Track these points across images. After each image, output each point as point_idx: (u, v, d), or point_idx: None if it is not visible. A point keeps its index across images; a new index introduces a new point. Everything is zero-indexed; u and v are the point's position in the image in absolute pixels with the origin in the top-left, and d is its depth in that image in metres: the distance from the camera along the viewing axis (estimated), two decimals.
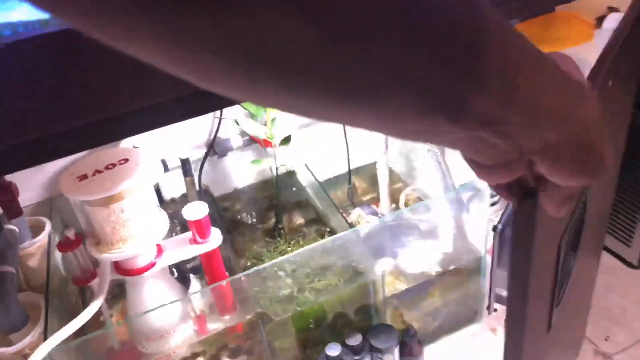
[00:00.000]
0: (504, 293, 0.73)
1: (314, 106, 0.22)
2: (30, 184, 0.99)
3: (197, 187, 1.06)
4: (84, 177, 0.71)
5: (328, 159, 1.20)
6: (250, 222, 1.13)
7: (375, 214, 1.15)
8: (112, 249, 0.75)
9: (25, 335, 0.74)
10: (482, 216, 0.96)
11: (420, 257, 1.00)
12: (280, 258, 0.83)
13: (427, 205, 0.96)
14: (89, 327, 0.79)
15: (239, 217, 1.13)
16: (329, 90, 0.21)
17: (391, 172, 1.23)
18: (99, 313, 0.83)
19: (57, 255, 0.90)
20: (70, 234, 0.76)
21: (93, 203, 0.71)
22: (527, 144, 0.25)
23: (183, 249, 0.83)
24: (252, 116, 0.90)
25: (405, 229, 1.06)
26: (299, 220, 1.14)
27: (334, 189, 1.23)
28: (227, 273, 0.86)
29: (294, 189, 1.19)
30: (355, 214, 1.16)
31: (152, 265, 0.80)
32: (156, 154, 0.95)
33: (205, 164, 1.05)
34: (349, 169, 1.18)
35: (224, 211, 1.13)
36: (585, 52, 0.70)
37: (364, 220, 1.14)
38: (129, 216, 0.74)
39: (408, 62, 0.20)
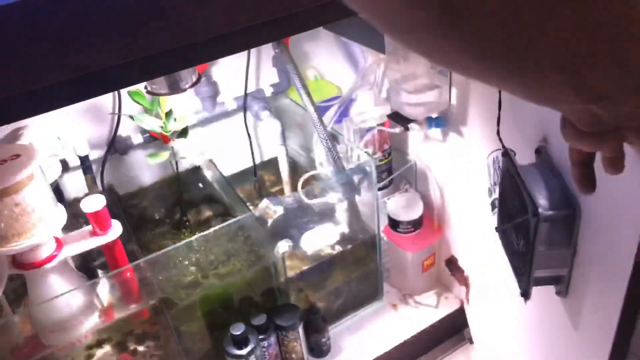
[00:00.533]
0: (542, 274, 0.77)
1: (480, 62, 0.25)
2: None
3: (100, 186, 1.08)
4: None
5: (234, 154, 1.25)
6: (156, 218, 1.16)
7: (281, 203, 1.21)
8: (8, 244, 0.76)
9: None
10: (372, 197, 1.04)
11: (320, 238, 1.07)
12: (180, 243, 0.87)
13: (321, 188, 1.03)
14: None
15: (145, 214, 1.16)
16: (497, 54, 0.24)
17: (295, 164, 1.30)
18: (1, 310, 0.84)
19: None
20: None
21: None
22: (627, 121, 0.28)
23: (83, 242, 0.85)
24: (147, 111, 0.94)
25: (303, 212, 1.12)
26: (206, 214, 1.18)
27: (241, 183, 1.28)
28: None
29: (200, 185, 1.23)
30: (263, 205, 1.21)
31: (52, 258, 0.81)
32: (55, 153, 0.97)
33: (108, 163, 1.07)
34: (253, 162, 1.24)
35: (131, 208, 1.15)
36: None
37: (271, 211, 1.20)
38: (23, 210, 0.75)
39: (576, 50, 0.23)
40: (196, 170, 1.25)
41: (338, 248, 1.09)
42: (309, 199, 1.04)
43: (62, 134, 0.95)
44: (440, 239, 1.14)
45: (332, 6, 0.60)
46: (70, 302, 0.84)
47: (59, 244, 0.83)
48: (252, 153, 1.23)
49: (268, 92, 1.19)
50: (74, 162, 1.02)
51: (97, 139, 1.04)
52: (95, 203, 0.83)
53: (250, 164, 1.26)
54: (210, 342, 0.97)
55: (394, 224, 1.10)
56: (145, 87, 0.77)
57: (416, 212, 1.08)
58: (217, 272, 0.97)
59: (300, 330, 1.01)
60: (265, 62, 1.19)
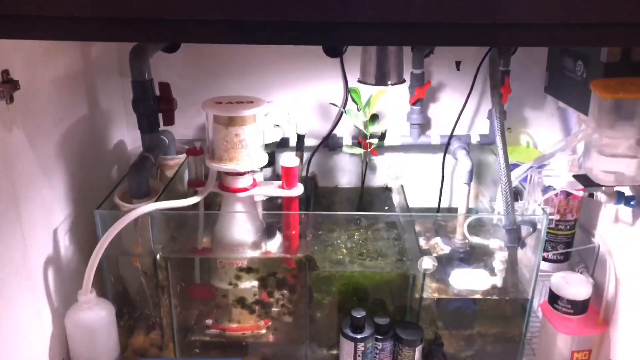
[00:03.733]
0: None
1: None
2: (191, 124, 1.30)
3: (305, 170, 1.28)
4: (219, 103, 0.98)
5: (425, 188, 1.33)
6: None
7: (450, 245, 1.24)
8: (219, 162, 0.98)
9: (143, 203, 1.01)
10: (536, 258, 1.01)
11: (469, 279, 1.07)
12: (344, 212, 0.98)
13: (485, 231, 1.04)
14: None
15: (331, 208, 1.31)
16: None
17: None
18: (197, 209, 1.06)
19: (185, 175, 1.18)
20: (198, 145, 1.02)
21: (218, 121, 0.97)
22: None
23: (271, 189, 1.04)
24: (358, 110, 1.10)
25: (464, 252, 1.14)
26: (378, 226, 1.28)
27: (422, 218, 1.35)
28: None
29: (386, 207, 1.35)
30: (434, 241, 1.27)
31: (244, 190, 1.01)
32: (281, 124, 1.19)
33: (317, 154, 1.26)
34: (439, 200, 1.30)
35: (322, 198, 1.33)
36: None
37: (439, 248, 1.25)
38: (240, 142, 0.97)
39: None
40: (386, 190, 1.37)
41: (483, 294, 1.07)
42: (471, 236, 1.06)
43: (292, 111, 1.17)
44: (602, 336, 1.02)
45: None
46: (243, 230, 1.03)
47: (254, 183, 1.03)
48: (441, 191, 1.29)
49: (474, 139, 1.26)
50: (292, 141, 1.24)
51: (317, 132, 1.24)
52: (290, 160, 1.01)
53: (444, 203, 1.33)
54: (335, 320, 1.05)
55: (553, 298, 1.04)
56: (359, 79, 0.93)
57: (581, 293, 1.00)
58: (363, 262, 1.05)
59: (417, 353, 1.02)
60: (482, 112, 1.27)
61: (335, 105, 1.19)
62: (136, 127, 1.10)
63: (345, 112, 1.13)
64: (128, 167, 1.25)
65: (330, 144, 1.27)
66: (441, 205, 1.33)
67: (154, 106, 1.07)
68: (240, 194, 1.01)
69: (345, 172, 1.34)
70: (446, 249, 1.22)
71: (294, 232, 1.06)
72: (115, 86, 1.24)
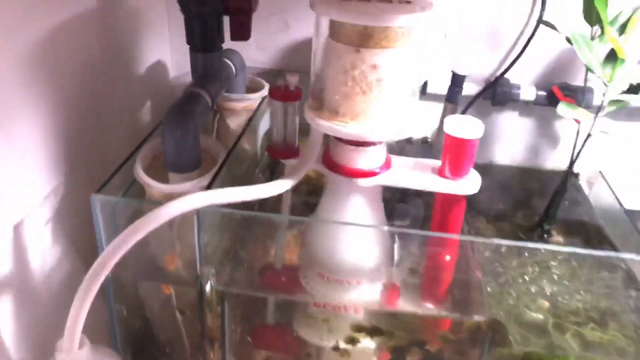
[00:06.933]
0: None
1: None
2: (271, 44, 0.82)
3: None
4: (347, 0, 0.48)
5: None
6: (508, 212, 0.80)
7: None
8: (333, 120, 0.50)
9: (185, 181, 0.54)
10: None
11: None
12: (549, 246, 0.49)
13: None
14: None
15: (492, 198, 0.81)
16: None
17: None
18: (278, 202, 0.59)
19: (261, 127, 0.70)
20: (294, 79, 0.53)
21: (339, 36, 0.47)
22: None
23: (419, 175, 0.55)
24: (593, 39, 0.57)
25: None
26: (562, 239, 0.78)
27: None
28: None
29: (565, 202, 0.84)
30: None
31: (370, 175, 0.53)
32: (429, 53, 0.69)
33: (473, 108, 0.75)
34: None
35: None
36: None
37: None
38: (377, 80, 0.48)
39: None
40: (572, 176, 0.85)
41: None
42: None
43: (451, 33, 0.66)
44: None
45: None
46: (360, 248, 0.55)
47: (387, 162, 0.55)
48: None
49: None
50: (435, 85, 0.73)
51: (477, 76, 0.73)
52: (468, 127, 0.52)
53: None
54: None
55: None
56: None
57: None
58: (580, 330, 0.56)
59: None
60: None
61: (553, 26, 0.64)
62: (185, 41, 0.61)
63: (569, 40, 0.58)
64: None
65: (498, 93, 0.75)
66: None
67: (216, 2, 0.58)
68: (363, 182, 0.53)
69: (516, 139, 0.83)
70: None
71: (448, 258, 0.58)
72: None
